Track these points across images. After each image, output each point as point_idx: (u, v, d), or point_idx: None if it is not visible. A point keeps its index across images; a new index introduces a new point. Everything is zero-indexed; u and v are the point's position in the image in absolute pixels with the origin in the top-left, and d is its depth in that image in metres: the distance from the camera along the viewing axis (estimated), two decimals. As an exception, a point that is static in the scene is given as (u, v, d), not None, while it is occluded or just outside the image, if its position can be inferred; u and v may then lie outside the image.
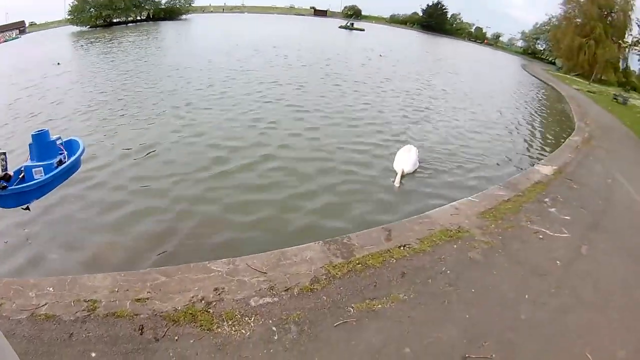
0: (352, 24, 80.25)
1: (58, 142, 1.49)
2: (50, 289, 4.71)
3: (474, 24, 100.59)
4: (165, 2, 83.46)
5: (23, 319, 4.31)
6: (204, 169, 9.81)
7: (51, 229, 7.26)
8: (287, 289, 4.95)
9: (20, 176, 1.41)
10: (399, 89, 22.81)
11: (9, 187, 1.31)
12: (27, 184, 1.30)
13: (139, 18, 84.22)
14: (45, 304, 4.51)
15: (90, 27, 78.79)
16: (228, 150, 10.88)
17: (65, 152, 1.51)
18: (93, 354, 3.94)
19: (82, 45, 40.68)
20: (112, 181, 9.09)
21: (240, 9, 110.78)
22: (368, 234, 6.41)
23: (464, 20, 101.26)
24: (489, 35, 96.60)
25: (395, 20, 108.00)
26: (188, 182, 9.16)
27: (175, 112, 14.32)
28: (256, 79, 21.43)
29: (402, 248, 6.04)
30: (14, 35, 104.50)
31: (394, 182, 9.38)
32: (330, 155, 11.22)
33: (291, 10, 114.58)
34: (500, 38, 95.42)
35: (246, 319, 4.46)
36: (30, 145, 1.46)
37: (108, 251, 6.47)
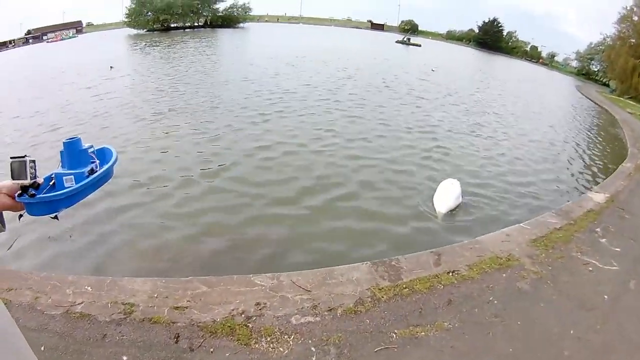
0: (409, 39, 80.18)
1: (90, 150, 1.46)
2: (88, 288, 4.76)
3: (529, 42, 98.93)
4: (223, 10, 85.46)
5: (57, 315, 4.34)
6: (261, 185, 9.97)
7: (96, 228, 7.45)
8: (330, 309, 4.81)
9: (50, 183, 1.39)
10: (448, 105, 22.89)
11: (38, 195, 1.29)
12: (56, 192, 1.27)
13: (196, 24, 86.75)
14: (82, 303, 4.54)
15: (147, 31, 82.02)
16: (292, 169, 10.97)
17: (97, 161, 1.49)
18: (124, 358, 3.91)
19: (140, 49, 42.02)
20: (173, 193, 9.26)
21: (297, 20, 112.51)
22: (417, 258, 6.22)
23: (520, 39, 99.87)
24: (544, 54, 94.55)
25: (452, 37, 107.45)
26: (243, 194, 9.33)
27: (240, 125, 14.38)
28: (318, 94, 21.62)
29: (450, 274, 5.82)
30: (70, 34, 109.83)
31: (437, 217, 9.16)
32: (382, 173, 11.32)
33: (348, 23, 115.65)
34: (555, 57, 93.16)
35: (285, 337, 4.34)
36: (61, 152, 1.44)
37: (153, 256, 6.56)
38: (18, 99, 20.55)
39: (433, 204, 9.45)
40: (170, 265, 6.53)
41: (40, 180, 1.46)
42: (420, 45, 75.96)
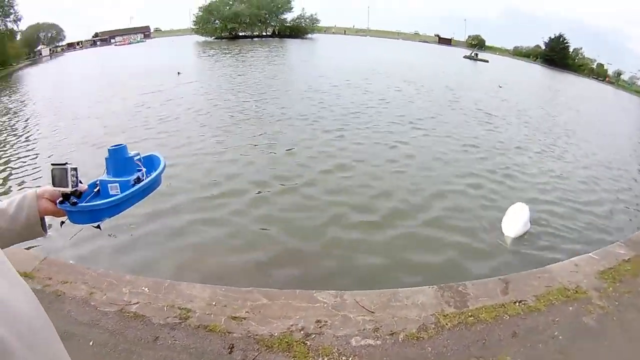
0: (477, 54, 78.79)
1: (136, 158, 1.39)
2: (146, 289, 4.69)
3: (595, 60, 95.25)
4: (291, 20, 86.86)
5: (110, 312, 4.31)
6: (333, 203, 9.64)
7: (161, 229, 7.44)
8: (392, 333, 4.54)
9: (95, 189, 1.33)
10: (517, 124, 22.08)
11: (80, 204, 1.23)
12: (99, 202, 1.20)
13: (264, 34, 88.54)
14: (137, 303, 4.47)
15: (215, 38, 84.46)
16: (364, 188, 10.61)
17: (144, 169, 1.41)
18: (174, 362, 3.77)
19: (209, 56, 42.93)
20: (241, 203, 9.21)
21: (365, 32, 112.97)
22: (484, 285, 5.85)
23: (586, 56, 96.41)
24: (610, 72, 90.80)
25: (518, 53, 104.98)
26: (313, 208, 9.12)
27: (311, 137, 14.14)
28: (391, 109, 21.11)
29: (517, 304, 5.43)
30: (138, 39, 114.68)
31: (504, 243, 8.74)
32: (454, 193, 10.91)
33: (416, 37, 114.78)
34: (622, 76, 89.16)
35: (343, 358, 4.10)
36: (106, 159, 1.38)
37: (216, 263, 6.47)
38: (88, 100, 21.32)
39: (501, 228, 9.02)
40: (233, 273, 6.40)
41: (84, 187, 1.42)
42: (487, 61, 74.44)
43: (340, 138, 14.24)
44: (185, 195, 9.18)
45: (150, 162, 1.66)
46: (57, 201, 1.38)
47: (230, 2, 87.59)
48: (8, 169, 12.21)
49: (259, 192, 9.65)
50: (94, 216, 1.40)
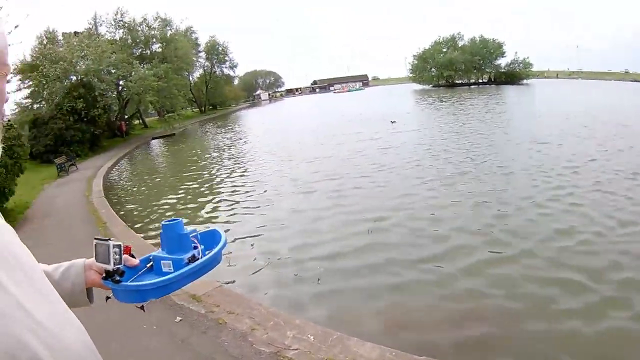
0: None
1: (192, 235, 1.09)
2: (311, 337, 4.18)
3: None
4: (505, 66, 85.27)
5: (265, 353, 4.01)
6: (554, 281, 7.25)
7: (350, 278, 6.82)
8: None
9: (148, 265, 1.08)
10: None
11: (124, 283, 1.01)
12: (145, 282, 0.96)
13: (480, 80, 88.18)
14: (296, 350, 3.97)
15: (432, 86, 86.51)
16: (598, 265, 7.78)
17: (200, 247, 1.10)
18: None
19: (427, 104, 43.05)
20: (451, 266, 7.98)
21: (577, 75, 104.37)
22: None
23: None
24: None
25: None
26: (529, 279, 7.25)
27: (537, 197, 11.10)
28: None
29: None
30: (357, 87, 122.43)
31: None
32: None
33: (627, 76, 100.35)
34: None
35: None
36: (161, 234, 1.09)
37: (396, 322, 5.56)
38: (302, 144, 22.46)
39: None
40: (412, 337, 5.37)
41: (134, 262, 1.40)
42: None
43: (570, 201, 10.86)
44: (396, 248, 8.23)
45: (211, 238, 1.57)
46: (101, 277, 1.34)
47: (445, 50, 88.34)
48: (218, 199, 12.98)
49: (465, 251, 8.11)
50: (139, 296, 1.33)
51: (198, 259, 1.42)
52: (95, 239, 1.35)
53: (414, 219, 9.40)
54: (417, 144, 18.96)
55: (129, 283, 1.33)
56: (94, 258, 1.36)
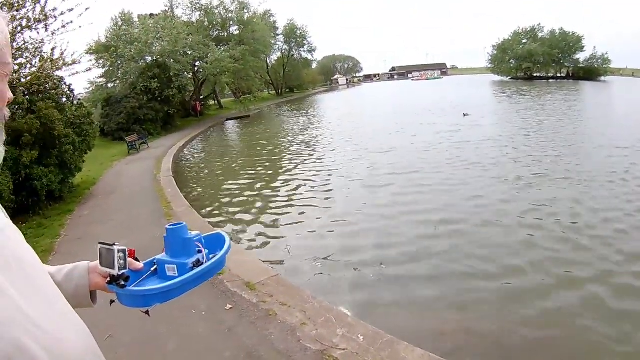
0: None
1: (196, 239, 1.03)
2: (361, 337, 4.06)
3: None
4: (584, 61, 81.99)
5: (310, 350, 3.95)
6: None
7: (413, 282, 6.57)
8: None
9: (152, 268, 1.04)
10: None
11: (128, 287, 0.97)
12: (150, 287, 0.92)
13: (558, 75, 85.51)
14: (344, 350, 3.88)
15: (511, 78, 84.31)
16: None
17: (205, 252, 1.05)
18: None
19: (507, 97, 41.50)
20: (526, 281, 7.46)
21: None
22: None
23: None
24: None
25: None
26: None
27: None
28: None
29: None
30: (435, 75, 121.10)
31: None
32: None
33: None
34: None
35: None
36: (165, 237, 1.03)
37: (460, 331, 5.25)
38: (376, 133, 22.15)
39: None
40: (467, 346, 5.05)
41: (139, 265, 1.38)
42: None
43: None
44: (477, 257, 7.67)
45: (215, 242, 1.58)
46: (106, 281, 1.35)
47: (524, 41, 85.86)
48: (287, 188, 12.84)
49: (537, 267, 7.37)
50: (144, 301, 1.34)
51: (202, 263, 1.42)
52: (100, 243, 1.34)
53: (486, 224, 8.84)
54: (493, 139, 18.02)
55: (133, 288, 1.32)
56: (97, 262, 1.36)
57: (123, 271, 1.31)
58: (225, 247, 1.49)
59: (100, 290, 1.41)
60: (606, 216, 8.79)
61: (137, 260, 1.39)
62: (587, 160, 13.94)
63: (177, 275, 1.36)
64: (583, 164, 13.48)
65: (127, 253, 1.33)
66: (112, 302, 1.40)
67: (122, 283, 1.29)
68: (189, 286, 1.36)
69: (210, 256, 1.47)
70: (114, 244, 1.32)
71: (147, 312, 1.34)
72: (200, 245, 1.45)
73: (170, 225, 1.41)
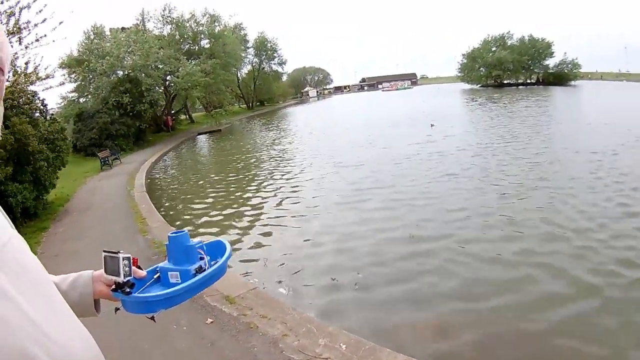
0: None
1: (198, 246, 1.09)
2: (343, 346, 4.11)
3: None
4: (554, 67, 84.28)
5: None
6: None
7: (401, 288, 6.56)
8: None
9: (155, 276, 1.10)
10: None
11: (133, 294, 1.03)
12: (155, 293, 0.97)
13: (528, 81, 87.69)
14: (327, 358, 3.93)
15: (480, 86, 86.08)
16: None
17: (207, 258, 1.10)
18: None
19: (477, 105, 42.14)
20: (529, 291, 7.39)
21: (624, 77, 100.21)
22: None
23: None
24: None
25: None
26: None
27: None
28: None
29: None
30: (405, 85, 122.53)
31: None
32: None
33: None
34: None
35: None
36: (167, 245, 1.09)
37: (438, 335, 5.26)
38: (349, 144, 22.30)
39: None
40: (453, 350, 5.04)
41: (142, 273, 1.41)
42: None
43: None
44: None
45: (216, 249, 1.60)
46: (110, 288, 1.36)
47: (493, 49, 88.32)
48: (259, 201, 12.81)
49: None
50: (148, 307, 1.35)
51: (205, 269, 1.44)
52: (104, 251, 1.36)
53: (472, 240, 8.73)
54: (461, 150, 18.04)
55: (138, 295, 1.35)
56: (102, 270, 1.37)
57: (128, 278, 1.33)
58: (227, 254, 1.54)
59: (104, 299, 1.42)
60: (589, 226, 8.58)
61: (139, 268, 1.42)
62: (565, 167, 13.96)
63: (180, 282, 1.39)
64: (561, 170, 13.50)
65: (131, 261, 1.36)
66: (116, 309, 1.40)
67: (128, 290, 1.32)
68: (192, 292, 1.39)
69: (212, 263, 1.50)
70: (119, 252, 1.34)
71: (152, 318, 1.36)
72: (202, 252, 1.48)
73: (172, 233, 1.45)
